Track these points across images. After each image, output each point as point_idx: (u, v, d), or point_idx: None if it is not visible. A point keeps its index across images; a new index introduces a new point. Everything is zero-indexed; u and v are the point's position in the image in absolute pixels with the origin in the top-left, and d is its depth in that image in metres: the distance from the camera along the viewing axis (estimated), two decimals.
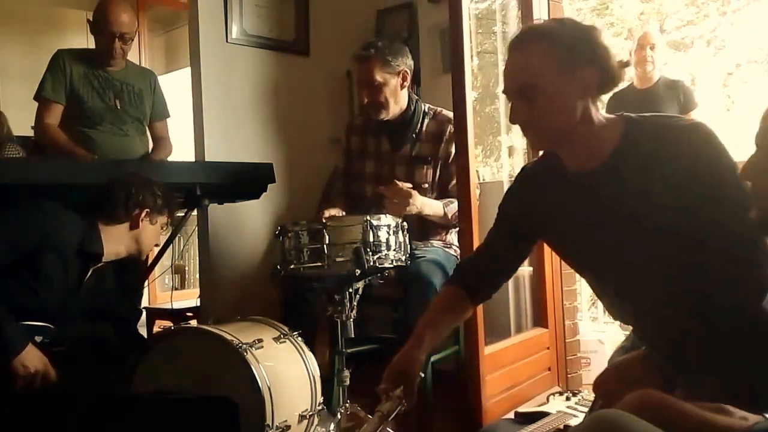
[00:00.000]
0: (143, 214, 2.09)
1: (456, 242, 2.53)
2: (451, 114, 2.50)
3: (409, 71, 2.55)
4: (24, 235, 1.87)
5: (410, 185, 2.41)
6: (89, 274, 2.06)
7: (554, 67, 1.35)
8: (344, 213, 2.59)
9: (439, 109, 2.63)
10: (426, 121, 2.60)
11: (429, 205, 2.45)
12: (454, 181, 2.47)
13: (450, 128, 2.51)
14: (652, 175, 1.34)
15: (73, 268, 1.99)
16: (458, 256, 2.40)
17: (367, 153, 2.71)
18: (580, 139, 1.40)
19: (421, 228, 2.52)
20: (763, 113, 1.14)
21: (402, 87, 2.54)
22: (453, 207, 2.43)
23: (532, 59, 1.37)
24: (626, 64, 1.40)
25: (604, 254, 1.44)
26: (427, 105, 2.65)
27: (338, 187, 2.78)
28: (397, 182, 2.40)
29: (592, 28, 1.39)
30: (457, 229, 2.42)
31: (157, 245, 2.20)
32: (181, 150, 3.87)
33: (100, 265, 2.09)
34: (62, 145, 2.71)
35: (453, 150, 2.49)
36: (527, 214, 1.58)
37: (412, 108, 2.59)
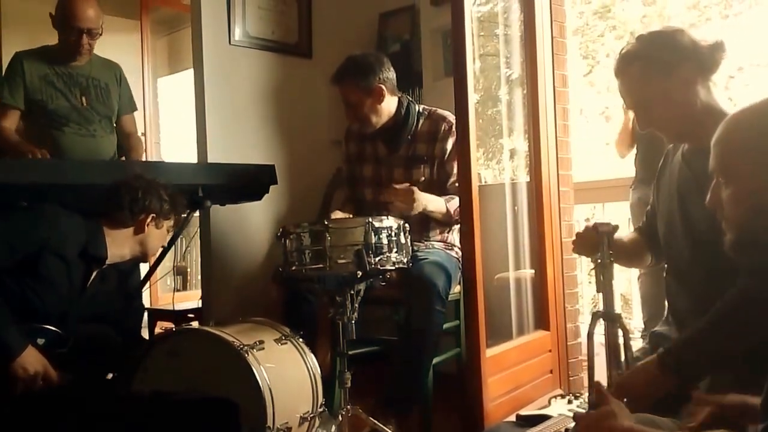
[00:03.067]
0: (149, 219, 2.06)
1: (458, 243, 2.53)
2: (446, 112, 2.52)
3: (385, 84, 2.53)
4: (25, 238, 1.86)
5: (407, 184, 2.42)
6: (93, 276, 2.06)
7: (653, 78, 1.61)
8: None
9: (434, 108, 2.63)
10: (421, 121, 2.61)
11: (432, 202, 2.45)
12: (453, 179, 2.48)
13: (444, 126, 2.52)
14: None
15: (76, 271, 1.98)
16: (459, 258, 2.40)
17: (365, 158, 2.72)
18: (686, 122, 1.62)
19: (422, 226, 2.53)
20: (714, 138, 1.25)
21: (380, 101, 2.53)
22: (454, 203, 2.43)
23: (634, 80, 1.66)
24: (718, 46, 1.59)
25: (668, 222, 1.71)
26: (422, 106, 2.66)
27: (346, 194, 2.78)
28: (395, 185, 2.40)
29: (674, 33, 1.63)
30: (458, 227, 2.42)
31: (162, 246, 2.18)
32: (184, 151, 3.89)
33: (103, 267, 2.09)
34: (15, 147, 2.61)
35: (448, 147, 2.51)
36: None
37: (403, 111, 2.59)
